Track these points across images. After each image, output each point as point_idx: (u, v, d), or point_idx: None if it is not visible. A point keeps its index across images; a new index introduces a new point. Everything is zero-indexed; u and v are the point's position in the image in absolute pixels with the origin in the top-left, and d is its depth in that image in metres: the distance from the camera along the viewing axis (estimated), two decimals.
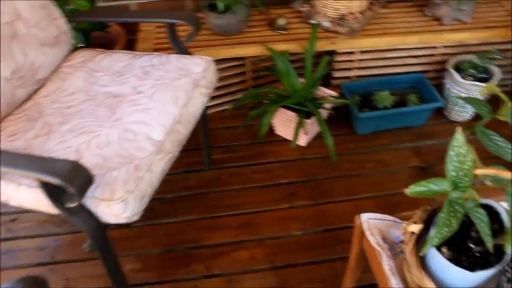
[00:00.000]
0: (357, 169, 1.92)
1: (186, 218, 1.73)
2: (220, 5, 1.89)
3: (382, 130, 2.09)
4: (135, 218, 1.13)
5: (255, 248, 1.64)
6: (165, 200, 1.79)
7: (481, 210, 0.81)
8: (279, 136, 2.06)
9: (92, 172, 1.00)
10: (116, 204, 1.07)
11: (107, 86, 1.40)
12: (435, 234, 0.76)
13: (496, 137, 0.95)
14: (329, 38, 2.00)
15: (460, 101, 2.06)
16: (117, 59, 1.50)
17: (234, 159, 1.95)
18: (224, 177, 1.88)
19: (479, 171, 0.79)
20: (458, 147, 0.79)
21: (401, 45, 2.08)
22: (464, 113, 2.12)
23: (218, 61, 1.90)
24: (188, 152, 1.92)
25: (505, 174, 0.78)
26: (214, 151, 1.98)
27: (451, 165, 0.79)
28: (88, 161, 1.14)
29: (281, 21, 2.02)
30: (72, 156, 1.15)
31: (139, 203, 1.12)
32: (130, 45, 2.09)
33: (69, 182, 0.95)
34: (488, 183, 0.83)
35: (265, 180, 1.87)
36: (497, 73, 2.05)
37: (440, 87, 2.15)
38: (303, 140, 1.98)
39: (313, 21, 2.04)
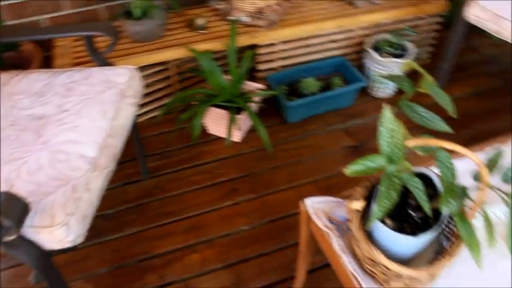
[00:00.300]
0: (293, 157, 1.96)
1: (132, 231, 1.70)
2: (137, 12, 1.85)
3: (312, 116, 2.14)
4: (80, 240, 1.10)
5: (205, 250, 1.63)
6: (107, 216, 1.74)
7: (416, 179, 0.85)
8: (212, 135, 2.05)
9: (26, 200, 0.96)
10: (57, 229, 1.03)
11: (28, 108, 1.34)
12: (378, 208, 0.80)
13: (420, 109, 0.99)
14: (249, 33, 2.02)
15: (382, 78, 2.14)
16: (35, 79, 1.44)
17: (170, 165, 1.93)
18: (163, 184, 1.86)
19: (410, 143, 0.83)
20: (388, 123, 0.83)
21: (320, 32, 2.13)
22: (387, 89, 2.21)
23: (141, 68, 1.86)
24: (123, 164, 1.89)
25: (433, 142, 0.82)
26: (149, 159, 1.95)
27: (384, 141, 0.83)
28: (21, 189, 1.09)
29: (200, 21, 2.02)
30: (2, 187, 1.10)
31: (82, 224, 1.09)
32: (47, 63, 2.01)
33: (3, 214, 0.91)
34: (419, 152, 0.87)
35: (205, 180, 1.87)
36: (411, 48, 2.15)
37: (361, 67, 2.23)
38: (237, 136, 1.99)
39: (231, 18, 2.05)
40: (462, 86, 2.36)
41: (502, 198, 0.86)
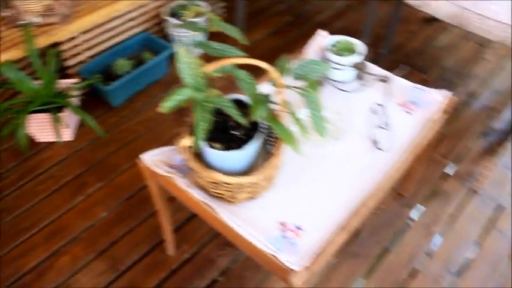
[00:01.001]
0: (129, 136, 2.01)
1: None
2: None
3: (135, 93, 2.20)
4: None
5: (73, 248, 1.64)
6: None
7: (225, 99, 0.98)
8: (43, 142, 2.01)
9: None
10: None
11: None
12: (198, 130, 0.91)
13: (213, 44, 1.12)
14: (46, 32, 1.98)
15: (187, 41, 2.26)
16: None
17: (10, 184, 1.86)
18: (9, 204, 1.79)
19: (208, 68, 0.96)
20: (184, 58, 0.94)
21: (115, 14, 2.17)
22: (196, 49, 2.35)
23: None
24: None
25: (226, 61, 0.95)
26: None
27: (185, 74, 0.94)
28: None
29: None
30: None
31: None
32: None
33: None
34: (218, 74, 1.00)
35: (51, 186, 1.84)
36: (206, 6, 2.30)
37: (167, 36, 2.33)
38: (68, 135, 1.98)
39: (22, 22, 1.99)
40: (261, 28, 2.58)
41: (297, 91, 1.03)
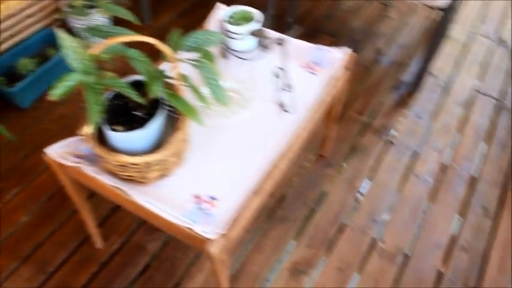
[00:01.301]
0: (44, 136, 1.94)
1: None
2: None
3: (45, 92, 2.12)
4: None
5: None
6: None
7: (119, 80, 0.97)
8: None
9: None
10: None
11: None
12: (90, 113, 0.90)
13: (102, 27, 1.10)
14: None
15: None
16: None
17: None
18: None
19: (94, 50, 0.94)
20: (68, 43, 0.92)
21: (9, 12, 2.07)
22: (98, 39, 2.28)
23: None
24: None
25: (111, 41, 0.93)
26: None
27: (71, 59, 0.92)
28: None
29: None
30: None
31: None
32: None
33: None
34: (107, 56, 0.98)
35: None
36: None
37: (71, 30, 2.26)
38: None
39: None
40: (168, 12, 2.54)
41: (190, 63, 1.03)
